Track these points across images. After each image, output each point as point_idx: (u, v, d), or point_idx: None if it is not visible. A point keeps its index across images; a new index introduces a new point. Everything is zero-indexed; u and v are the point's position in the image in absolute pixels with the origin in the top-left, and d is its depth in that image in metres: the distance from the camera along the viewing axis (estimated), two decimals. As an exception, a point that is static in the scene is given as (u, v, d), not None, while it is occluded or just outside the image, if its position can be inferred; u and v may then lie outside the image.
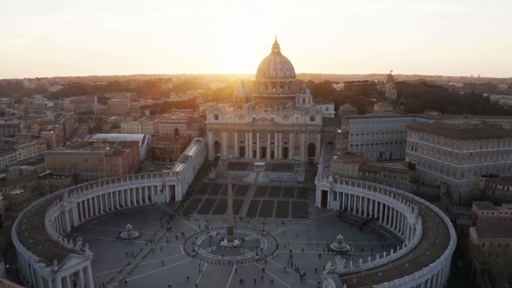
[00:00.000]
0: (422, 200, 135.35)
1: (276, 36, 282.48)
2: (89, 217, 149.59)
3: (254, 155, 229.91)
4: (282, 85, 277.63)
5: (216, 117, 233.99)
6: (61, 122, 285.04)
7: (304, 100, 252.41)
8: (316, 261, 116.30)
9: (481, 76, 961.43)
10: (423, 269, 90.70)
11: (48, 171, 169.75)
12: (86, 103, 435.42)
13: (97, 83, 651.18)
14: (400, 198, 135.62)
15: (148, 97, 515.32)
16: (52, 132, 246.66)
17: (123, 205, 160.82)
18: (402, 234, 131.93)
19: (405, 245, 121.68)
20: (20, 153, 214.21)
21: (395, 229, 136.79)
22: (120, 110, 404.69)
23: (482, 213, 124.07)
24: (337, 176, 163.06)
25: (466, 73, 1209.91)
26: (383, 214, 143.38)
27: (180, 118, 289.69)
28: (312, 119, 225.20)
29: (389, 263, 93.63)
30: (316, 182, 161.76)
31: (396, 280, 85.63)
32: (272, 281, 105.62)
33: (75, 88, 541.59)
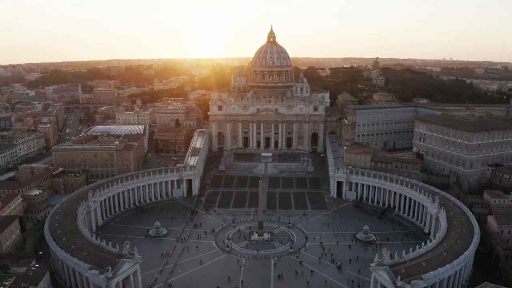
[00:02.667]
0: (438, 190, 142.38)
1: (272, 25, 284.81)
2: (111, 215, 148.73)
3: (258, 145, 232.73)
4: (279, 74, 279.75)
5: (220, 108, 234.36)
6: (54, 113, 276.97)
7: (302, 89, 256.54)
8: (348, 252, 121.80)
9: (454, 59, 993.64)
10: (460, 257, 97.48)
11: (60, 169, 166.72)
12: (70, 92, 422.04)
13: (76, 69, 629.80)
14: (418, 188, 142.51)
15: (131, 84, 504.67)
16: (49, 125, 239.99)
17: (142, 201, 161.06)
18: (421, 223, 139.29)
19: (425, 233, 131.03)
20: (20, 149, 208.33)
21: (413, 217, 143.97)
22: (107, 99, 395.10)
23: (495, 201, 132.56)
24: (350, 166, 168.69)
25: (439, 56, 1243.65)
26: (399, 203, 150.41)
27: (178, 108, 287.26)
28: (315, 109, 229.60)
29: (428, 253, 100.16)
30: (332, 174, 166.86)
31: (440, 268, 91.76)
32: (313, 271, 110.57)
33: (54, 76, 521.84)
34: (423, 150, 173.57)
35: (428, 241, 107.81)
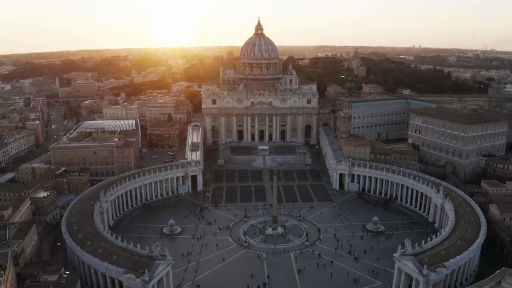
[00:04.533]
0: (438, 180, 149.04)
1: (259, 17, 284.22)
2: (120, 214, 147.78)
3: (253, 138, 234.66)
4: (267, 66, 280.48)
5: (214, 101, 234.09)
6: (39, 109, 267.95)
7: (291, 81, 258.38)
8: (361, 242, 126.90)
9: (423, 46, 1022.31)
10: (473, 244, 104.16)
11: (63, 168, 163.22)
12: (47, 85, 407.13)
13: (50, 61, 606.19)
14: (420, 179, 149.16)
15: (109, 76, 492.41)
16: (37, 122, 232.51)
17: (148, 198, 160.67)
18: (424, 212, 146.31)
19: (430, 222, 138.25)
20: (11, 147, 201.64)
21: (415, 207, 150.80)
22: (87, 92, 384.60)
23: (493, 190, 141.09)
24: (350, 159, 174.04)
25: (409, 44, 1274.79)
26: (401, 193, 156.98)
27: (168, 101, 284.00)
28: (308, 101, 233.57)
29: (444, 242, 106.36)
30: (334, 166, 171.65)
31: (458, 256, 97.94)
32: (332, 262, 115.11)
33: (29, 69, 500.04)
34: (418, 142, 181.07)
35: (442, 230, 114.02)
